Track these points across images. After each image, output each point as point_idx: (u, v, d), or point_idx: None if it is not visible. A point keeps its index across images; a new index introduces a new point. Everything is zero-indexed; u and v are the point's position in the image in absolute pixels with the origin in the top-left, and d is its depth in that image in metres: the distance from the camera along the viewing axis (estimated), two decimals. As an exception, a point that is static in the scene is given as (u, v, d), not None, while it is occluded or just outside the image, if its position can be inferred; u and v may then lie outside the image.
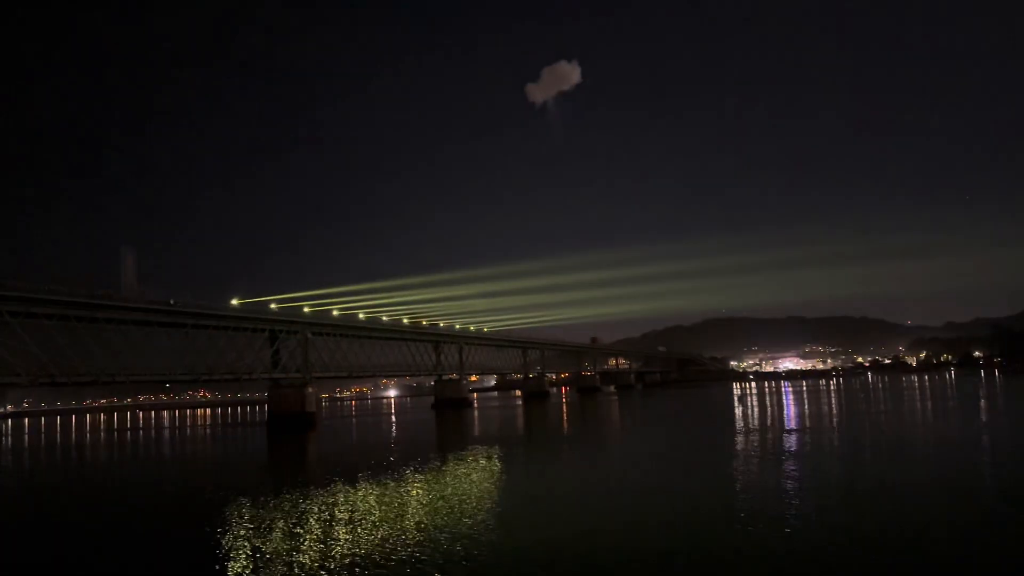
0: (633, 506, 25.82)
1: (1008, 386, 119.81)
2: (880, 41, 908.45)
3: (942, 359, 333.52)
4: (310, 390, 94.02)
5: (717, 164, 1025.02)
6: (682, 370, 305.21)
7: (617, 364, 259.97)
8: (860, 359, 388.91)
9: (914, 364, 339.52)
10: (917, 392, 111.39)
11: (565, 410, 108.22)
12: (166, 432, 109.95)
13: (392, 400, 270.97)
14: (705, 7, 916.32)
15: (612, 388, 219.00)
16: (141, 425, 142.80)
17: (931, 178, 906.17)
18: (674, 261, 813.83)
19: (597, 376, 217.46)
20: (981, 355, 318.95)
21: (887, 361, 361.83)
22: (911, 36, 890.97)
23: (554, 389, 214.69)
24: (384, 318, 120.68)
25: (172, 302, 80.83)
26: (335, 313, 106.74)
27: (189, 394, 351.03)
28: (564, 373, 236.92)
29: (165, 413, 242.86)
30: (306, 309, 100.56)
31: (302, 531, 23.69)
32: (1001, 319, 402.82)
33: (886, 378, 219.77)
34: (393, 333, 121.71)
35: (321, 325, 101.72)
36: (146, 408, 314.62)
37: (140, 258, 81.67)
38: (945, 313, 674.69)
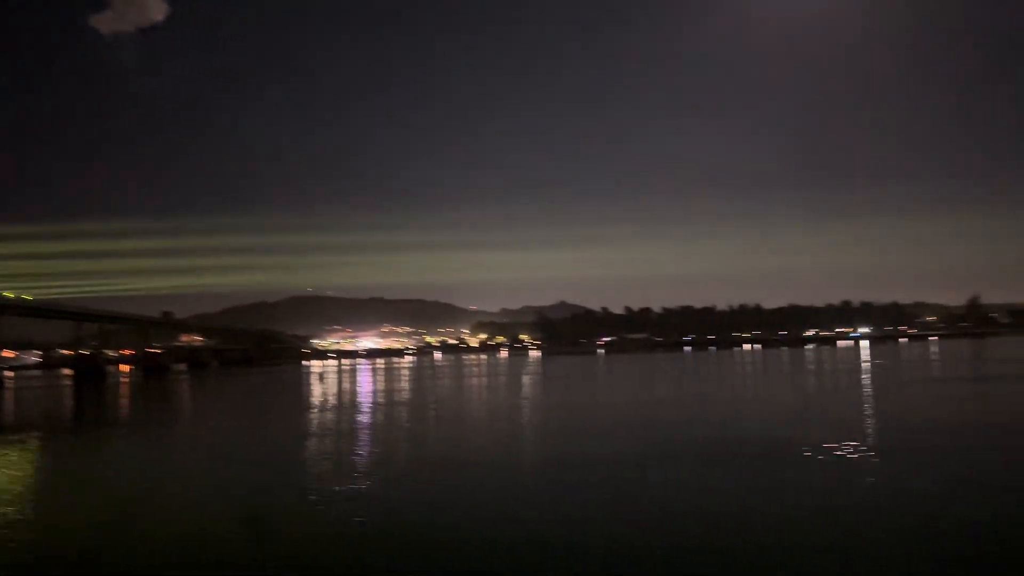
0: (179, 493, 23.67)
1: (544, 364, 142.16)
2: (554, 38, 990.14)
3: (497, 341, 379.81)
4: None
5: (316, 134, 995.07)
6: (264, 348, 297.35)
7: (191, 341, 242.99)
8: (430, 339, 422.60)
9: (475, 345, 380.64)
10: (475, 369, 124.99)
11: (124, 391, 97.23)
12: None
13: None
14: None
15: (184, 367, 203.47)
16: None
17: (491, 184, 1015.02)
18: (257, 235, 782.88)
19: (168, 354, 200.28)
20: (527, 338, 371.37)
21: (453, 341, 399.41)
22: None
23: (115, 367, 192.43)
24: None
25: None
26: None
27: None
28: (129, 350, 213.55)
29: None
30: None
31: None
32: (544, 307, 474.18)
33: (451, 356, 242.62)
34: None
35: None
36: None
37: None
38: (501, 300, 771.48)
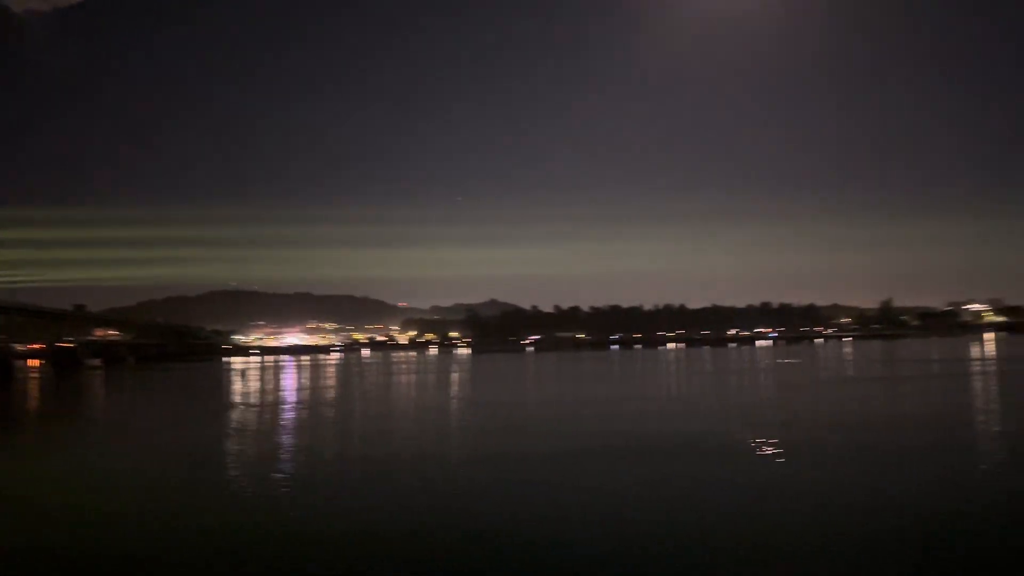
0: (89, 496, 22.76)
1: (473, 361, 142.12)
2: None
3: (427, 338, 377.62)
4: None
5: (242, 124, 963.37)
6: (183, 343, 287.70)
7: (106, 335, 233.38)
8: (358, 336, 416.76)
9: (405, 342, 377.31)
10: (404, 366, 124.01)
11: (33, 387, 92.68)
12: None
13: None
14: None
15: (98, 362, 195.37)
16: None
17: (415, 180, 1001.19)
18: (177, 226, 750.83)
19: (81, 348, 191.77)
20: (457, 335, 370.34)
21: (381, 338, 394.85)
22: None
23: (23, 362, 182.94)
24: None
25: None
26: None
27: None
28: (38, 344, 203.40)
29: None
30: None
31: None
32: (475, 305, 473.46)
33: (379, 353, 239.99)
34: None
35: None
36: None
37: None
38: (432, 297, 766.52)
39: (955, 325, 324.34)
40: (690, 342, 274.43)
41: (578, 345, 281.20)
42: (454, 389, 68.08)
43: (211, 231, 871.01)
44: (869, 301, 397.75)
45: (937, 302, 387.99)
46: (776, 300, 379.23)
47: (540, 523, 17.61)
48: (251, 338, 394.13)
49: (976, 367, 78.26)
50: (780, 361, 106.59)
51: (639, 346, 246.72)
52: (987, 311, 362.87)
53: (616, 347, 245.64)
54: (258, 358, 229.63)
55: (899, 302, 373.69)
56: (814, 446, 27.63)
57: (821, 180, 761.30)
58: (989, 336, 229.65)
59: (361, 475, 24.60)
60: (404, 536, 16.83)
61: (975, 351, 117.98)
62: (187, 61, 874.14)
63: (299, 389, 72.27)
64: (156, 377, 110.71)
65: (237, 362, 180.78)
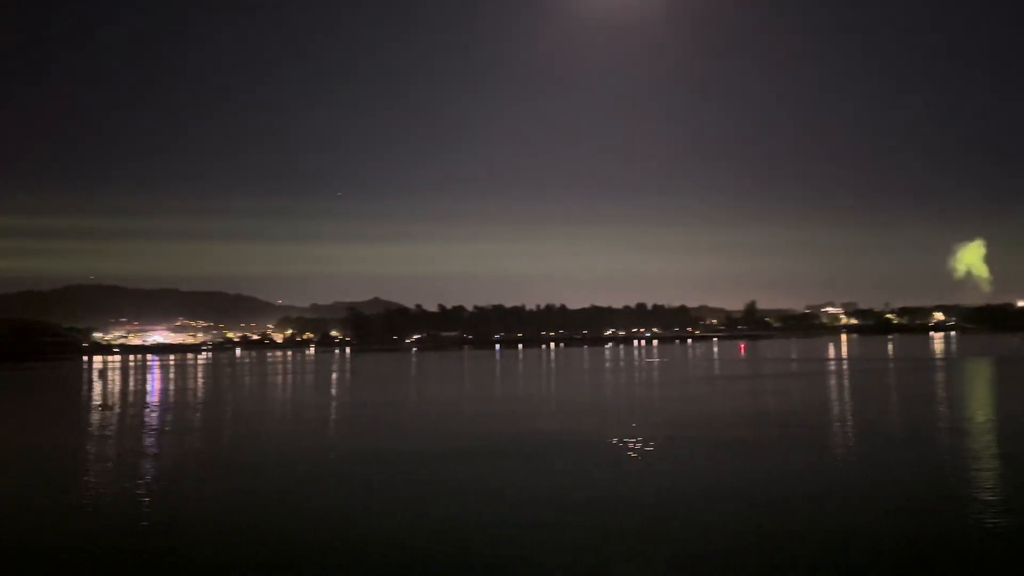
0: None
1: (353, 361, 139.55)
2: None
3: (306, 337, 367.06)
4: None
5: (106, 106, 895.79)
6: (35, 341, 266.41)
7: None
8: (231, 334, 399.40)
9: (281, 340, 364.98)
10: (279, 366, 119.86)
11: None
12: None
13: None
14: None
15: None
16: None
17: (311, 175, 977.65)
18: (28, 215, 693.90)
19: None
20: (338, 334, 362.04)
21: (256, 337, 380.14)
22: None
23: None
24: None
25: None
26: None
27: None
28: None
29: None
30: None
31: None
32: (357, 303, 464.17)
33: (254, 353, 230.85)
34: None
35: None
36: None
37: None
38: (311, 295, 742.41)
39: (813, 327, 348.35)
40: (570, 341, 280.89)
41: (462, 344, 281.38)
42: (329, 390, 66.20)
43: (67, 221, 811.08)
44: (735, 304, 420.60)
45: (797, 305, 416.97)
46: (651, 302, 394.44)
47: (384, 526, 17.13)
48: (112, 336, 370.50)
49: (830, 366, 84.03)
50: (652, 360, 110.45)
51: (521, 345, 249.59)
52: (842, 314, 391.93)
53: (499, 346, 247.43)
54: (119, 358, 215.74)
55: (762, 305, 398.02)
56: (672, 442, 28.72)
57: (693, 187, 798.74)
58: (843, 337, 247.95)
59: (220, 484, 23.28)
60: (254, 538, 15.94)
61: (830, 351, 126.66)
62: (44, 46, 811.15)
63: (163, 390, 68.23)
64: (1, 378, 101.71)
65: (96, 362, 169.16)
